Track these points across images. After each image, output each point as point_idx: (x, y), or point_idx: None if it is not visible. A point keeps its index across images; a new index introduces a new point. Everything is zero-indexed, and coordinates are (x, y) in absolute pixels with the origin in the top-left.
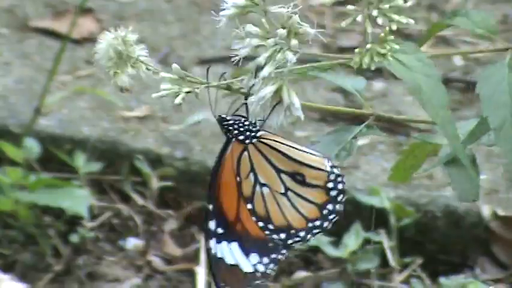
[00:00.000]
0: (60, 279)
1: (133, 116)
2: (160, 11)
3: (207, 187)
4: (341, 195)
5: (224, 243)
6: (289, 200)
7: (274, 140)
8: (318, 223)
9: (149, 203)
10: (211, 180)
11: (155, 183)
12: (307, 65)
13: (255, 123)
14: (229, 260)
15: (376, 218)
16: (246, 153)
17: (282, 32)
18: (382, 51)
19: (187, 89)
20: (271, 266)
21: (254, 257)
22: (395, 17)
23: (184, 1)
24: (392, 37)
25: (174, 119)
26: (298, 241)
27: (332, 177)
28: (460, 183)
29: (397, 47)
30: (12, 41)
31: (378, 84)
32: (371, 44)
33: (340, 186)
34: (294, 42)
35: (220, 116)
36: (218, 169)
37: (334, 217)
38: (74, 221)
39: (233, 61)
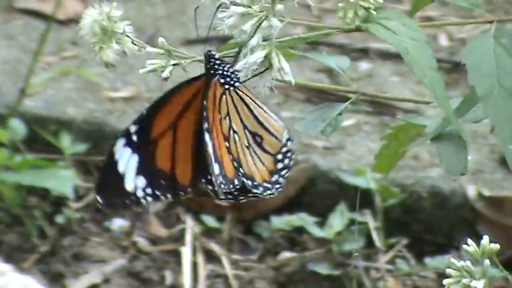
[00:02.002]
0: (45, 260)
1: (119, 97)
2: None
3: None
4: (285, 170)
5: (128, 150)
6: (251, 154)
7: (246, 95)
8: (269, 186)
9: None
10: (163, 96)
11: None
12: (295, 36)
13: (236, 74)
14: (121, 167)
15: (361, 199)
16: (224, 96)
17: None
18: (366, 4)
19: (174, 62)
20: (149, 198)
21: (140, 181)
22: None
23: None
24: None
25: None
26: (258, 194)
27: (284, 149)
28: (448, 158)
29: (381, 0)
30: None
31: (364, 65)
32: None
33: (286, 161)
34: (279, 6)
35: (210, 51)
36: (174, 92)
37: (279, 188)
38: (59, 202)
39: (220, 30)
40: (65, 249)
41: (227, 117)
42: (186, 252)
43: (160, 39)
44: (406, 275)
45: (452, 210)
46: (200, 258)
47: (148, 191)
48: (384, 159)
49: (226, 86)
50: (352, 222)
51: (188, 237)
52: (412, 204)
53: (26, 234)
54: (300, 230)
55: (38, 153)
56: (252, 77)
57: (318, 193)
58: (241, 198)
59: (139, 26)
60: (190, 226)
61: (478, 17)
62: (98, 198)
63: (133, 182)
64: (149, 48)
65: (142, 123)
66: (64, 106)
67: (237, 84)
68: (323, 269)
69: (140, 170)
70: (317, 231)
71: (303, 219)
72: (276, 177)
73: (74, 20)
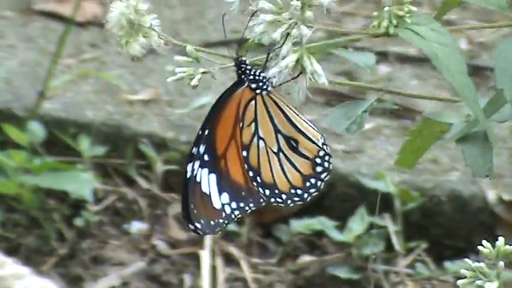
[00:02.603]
0: (64, 263)
1: (138, 100)
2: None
3: (208, 113)
4: (325, 173)
5: (205, 170)
6: (279, 160)
7: (281, 100)
8: (299, 192)
9: (154, 187)
10: (214, 109)
11: (160, 167)
12: (322, 42)
13: (268, 79)
14: (204, 188)
15: (381, 203)
16: (253, 102)
17: (297, 3)
18: (400, 13)
19: (203, 70)
20: (237, 212)
21: (225, 197)
22: None
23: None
24: None
25: (178, 102)
26: (279, 203)
27: (321, 153)
28: (473, 159)
29: (415, 9)
30: (17, 24)
31: (383, 69)
32: (389, 6)
33: (326, 164)
34: (308, 13)
35: (240, 57)
36: (223, 103)
37: (314, 192)
38: (78, 205)
39: (248, 39)
40: (84, 252)
41: (252, 124)
42: (205, 255)
43: (188, 46)
44: (426, 279)
45: (471, 214)
46: (219, 262)
47: (234, 205)
48: (408, 154)
49: (258, 91)
50: (372, 226)
51: (207, 241)
52: (431, 208)
53: (45, 237)
54: (320, 233)
55: (57, 156)
56: (286, 81)
57: (337, 197)
58: (251, 206)
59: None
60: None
61: (497, 20)
62: (197, 225)
63: (219, 200)
64: (177, 57)
65: (206, 141)
66: (83, 109)
67: (269, 88)
68: (342, 273)
69: (221, 187)
70: (337, 235)
71: (322, 222)
72: (313, 181)
73: (93, 23)
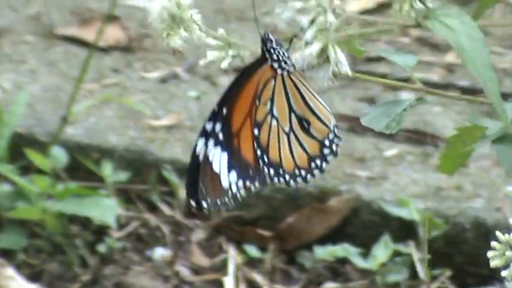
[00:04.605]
0: None
1: (161, 125)
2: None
3: (226, 90)
4: (331, 156)
5: (218, 149)
6: (289, 140)
7: (300, 81)
8: (303, 172)
9: (177, 213)
10: (232, 87)
11: (183, 193)
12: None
13: (291, 60)
14: (215, 167)
15: (404, 230)
16: (273, 81)
17: None
18: None
19: (233, 53)
20: (242, 191)
21: (233, 175)
22: None
23: (211, 10)
24: None
25: (201, 128)
26: (282, 182)
27: (331, 136)
28: (508, 160)
29: None
30: (39, 48)
31: (406, 95)
32: None
33: (334, 147)
34: (337, 2)
35: (267, 34)
36: (244, 81)
37: (317, 173)
38: (101, 231)
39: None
40: (107, 279)
41: (268, 103)
42: (228, 282)
43: (220, 30)
44: None
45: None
46: None
47: (240, 183)
48: (449, 160)
49: (279, 71)
50: (396, 253)
51: (231, 267)
52: (455, 235)
53: (68, 263)
54: (343, 260)
55: (79, 182)
56: (309, 69)
57: (361, 223)
58: (257, 185)
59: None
60: (232, 256)
61: None
62: (203, 203)
63: (228, 178)
64: (210, 40)
65: (222, 119)
66: (105, 134)
67: (291, 69)
68: None
69: (230, 165)
70: (361, 262)
71: (346, 249)
72: (318, 162)
73: (115, 47)
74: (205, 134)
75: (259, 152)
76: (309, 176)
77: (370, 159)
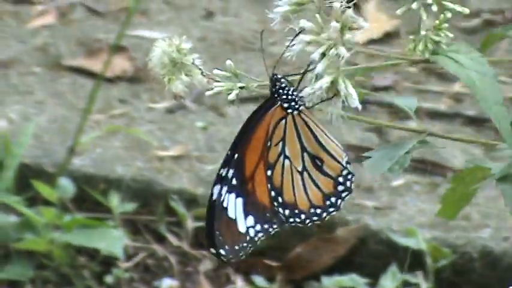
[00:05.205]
0: None
1: (168, 156)
2: (194, 49)
3: (238, 134)
4: (346, 192)
5: (233, 195)
6: (302, 179)
7: (310, 119)
8: (318, 211)
9: (184, 244)
10: (244, 130)
11: (190, 224)
12: (358, 66)
13: (301, 96)
14: (231, 213)
15: (412, 259)
16: (283, 121)
17: (336, 25)
18: (437, 38)
19: (241, 84)
20: (260, 235)
21: (250, 220)
22: (450, 5)
23: (218, 40)
24: (446, 25)
25: (208, 158)
26: (298, 222)
27: (344, 172)
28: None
29: (451, 35)
30: (46, 79)
31: (413, 124)
32: (426, 31)
33: (348, 183)
34: (348, 36)
35: (276, 75)
36: (255, 124)
37: (333, 211)
38: (108, 262)
39: (287, 57)
40: None
41: (280, 143)
42: None
43: (228, 61)
44: None
45: (503, 270)
46: None
47: (258, 227)
48: (450, 204)
49: (289, 110)
50: (404, 283)
51: None
52: (463, 264)
53: None
54: None
55: (86, 212)
56: (320, 102)
57: (368, 253)
58: (275, 227)
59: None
60: (240, 287)
61: None
62: (221, 251)
63: (245, 223)
64: (216, 71)
65: (235, 164)
66: (113, 165)
67: (301, 108)
68: None
69: (246, 210)
70: None
71: (353, 279)
72: (333, 200)
73: (122, 78)
74: (220, 181)
75: (273, 193)
76: (324, 214)
77: (377, 189)
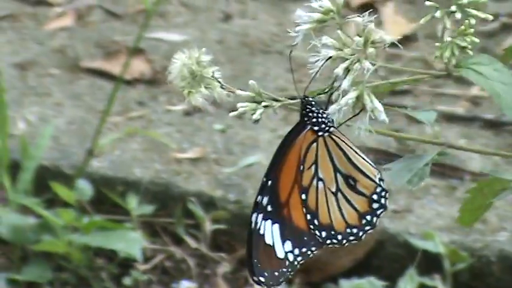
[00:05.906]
0: None
1: (186, 158)
2: (212, 52)
3: (271, 160)
4: (381, 210)
5: (269, 222)
6: (337, 200)
7: (341, 139)
8: (355, 231)
9: (202, 246)
10: (276, 156)
11: (208, 226)
12: (384, 81)
13: (332, 119)
14: (268, 240)
15: (430, 263)
16: (315, 144)
17: (359, 39)
18: (463, 44)
19: (265, 104)
20: (299, 258)
21: (288, 245)
22: (474, 11)
23: (235, 42)
24: (472, 30)
25: (226, 161)
26: (335, 243)
27: (378, 190)
28: None
29: (477, 40)
30: (64, 81)
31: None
32: (451, 37)
33: (383, 201)
34: (371, 50)
35: (306, 97)
36: (287, 149)
37: (369, 229)
38: (126, 264)
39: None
40: None
41: (312, 166)
42: None
43: (251, 81)
44: None
45: None
46: None
47: (296, 252)
48: (468, 213)
49: (320, 133)
50: (421, 286)
51: None
52: (480, 268)
53: None
54: None
55: (104, 214)
56: (347, 120)
57: (386, 256)
58: (313, 250)
59: None
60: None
61: None
62: (261, 279)
63: (283, 249)
64: (239, 91)
65: (269, 191)
66: (131, 167)
67: (332, 129)
68: None
69: (284, 235)
70: None
71: (371, 282)
72: (368, 218)
73: (140, 80)
74: (257, 210)
75: (309, 217)
76: (361, 233)
77: (395, 192)
